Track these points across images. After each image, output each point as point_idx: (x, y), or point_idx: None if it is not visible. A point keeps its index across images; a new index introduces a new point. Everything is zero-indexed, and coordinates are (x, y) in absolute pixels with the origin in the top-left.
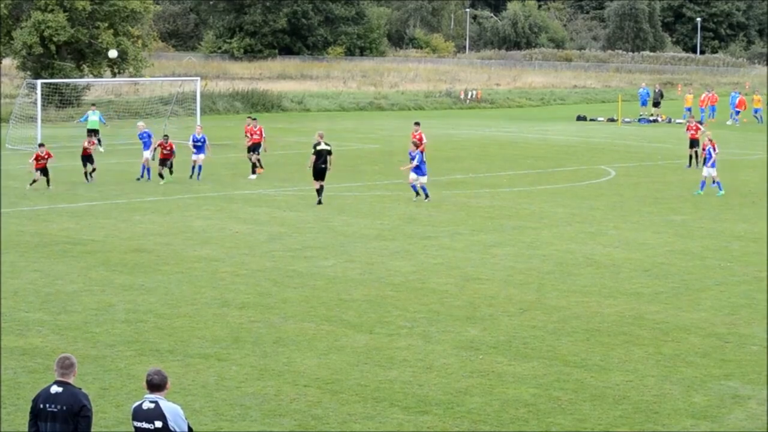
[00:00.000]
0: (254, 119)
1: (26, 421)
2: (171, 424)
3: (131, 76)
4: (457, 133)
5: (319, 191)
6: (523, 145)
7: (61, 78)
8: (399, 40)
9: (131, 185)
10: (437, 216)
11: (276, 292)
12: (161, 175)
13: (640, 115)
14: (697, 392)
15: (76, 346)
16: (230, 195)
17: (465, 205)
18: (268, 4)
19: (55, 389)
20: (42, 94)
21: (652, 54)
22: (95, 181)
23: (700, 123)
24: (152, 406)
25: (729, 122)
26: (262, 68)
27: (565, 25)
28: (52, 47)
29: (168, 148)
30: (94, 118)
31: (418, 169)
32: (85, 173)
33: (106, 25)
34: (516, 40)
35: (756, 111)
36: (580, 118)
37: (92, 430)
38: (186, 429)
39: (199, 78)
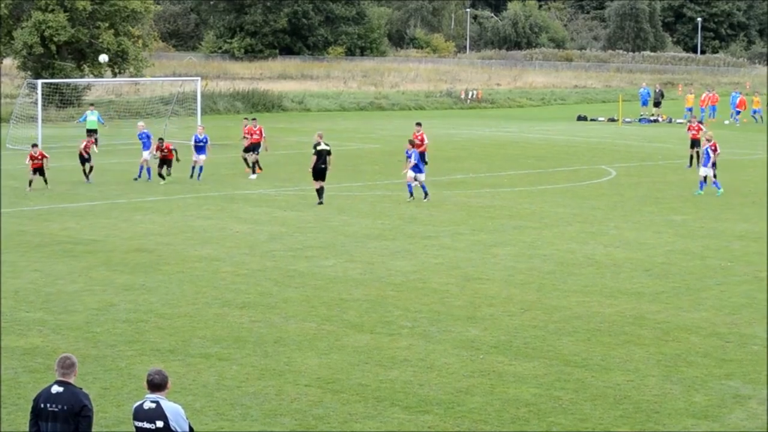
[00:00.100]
0: (254, 119)
1: (27, 420)
2: (172, 423)
3: (132, 76)
4: (458, 133)
5: (320, 192)
6: (524, 145)
7: (61, 78)
8: (399, 40)
9: (131, 185)
10: (438, 216)
11: (277, 292)
12: (161, 176)
13: (641, 115)
14: (698, 392)
15: (77, 345)
16: (231, 195)
17: (466, 204)
18: (268, 4)
19: (56, 389)
20: (42, 94)
21: (652, 54)
22: (92, 181)
23: (701, 123)
24: (153, 405)
25: (727, 122)
26: (262, 68)
27: (565, 25)
28: (53, 47)
29: (165, 149)
30: (92, 118)
31: (416, 167)
32: (84, 172)
33: (107, 25)
34: (516, 40)
35: (754, 111)
36: (580, 118)
37: (93, 429)
38: (187, 429)
39: (199, 78)
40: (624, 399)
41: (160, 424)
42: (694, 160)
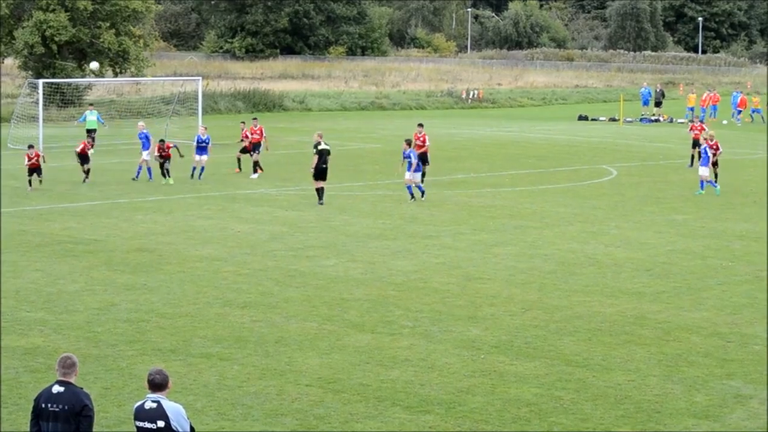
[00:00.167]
0: (254, 119)
1: (28, 420)
2: (173, 423)
3: (133, 76)
4: (459, 133)
5: (320, 192)
6: (525, 144)
7: (62, 78)
8: (400, 39)
9: (132, 185)
10: (439, 215)
11: (278, 292)
12: (165, 174)
13: (642, 115)
14: (699, 392)
15: (78, 345)
16: (232, 194)
17: (467, 204)
18: (269, 3)
19: (57, 389)
20: (44, 94)
21: (653, 53)
22: (90, 181)
23: (702, 122)
24: (154, 405)
25: (725, 122)
26: (263, 68)
27: (566, 25)
28: (54, 47)
29: (167, 149)
30: (92, 118)
31: (411, 166)
32: (84, 172)
33: (108, 24)
34: (517, 40)
35: (753, 111)
36: (581, 118)
37: (94, 429)
38: (188, 429)
39: (200, 78)
40: (625, 399)
41: (161, 423)
42: (695, 160)
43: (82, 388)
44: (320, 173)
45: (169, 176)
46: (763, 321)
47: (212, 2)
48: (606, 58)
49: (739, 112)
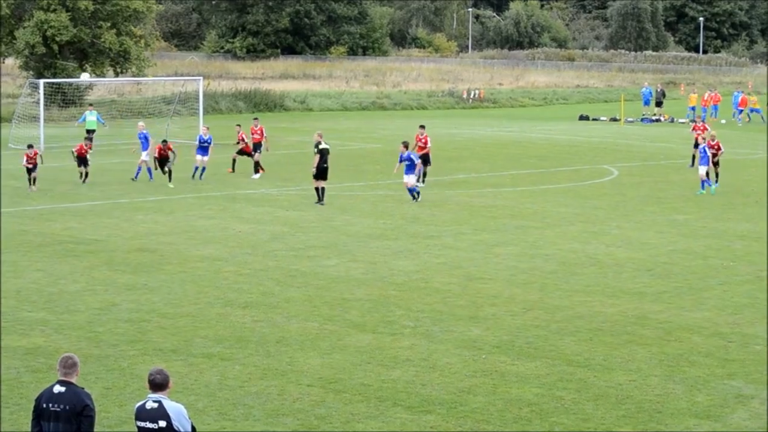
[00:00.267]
0: (255, 119)
1: (29, 420)
2: (175, 423)
3: (134, 76)
4: (460, 133)
5: (321, 191)
6: (526, 144)
7: (63, 78)
8: (401, 39)
9: (133, 185)
10: (440, 215)
11: (279, 292)
12: (167, 173)
13: (643, 115)
14: (700, 392)
15: (79, 345)
16: (233, 194)
17: (468, 204)
18: (270, 3)
19: (58, 389)
20: (45, 94)
21: (654, 53)
22: (89, 182)
23: (704, 122)
24: (156, 405)
25: (723, 121)
26: (264, 68)
27: (567, 25)
28: (55, 47)
29: (167, 150)
30: (91, 118)
31: (411, 168)
32: (80, 174)
33: (109, 24)
34: (518, 40)
35: (751, 110)
36: (582, 118)
37: (95, 429)
38: (190, 428)
39: (201, 78)
40: (626, 399)
41: (162, 423)
42: (697, 160)
43: (83, 388)
44: (321, 172)
45: (170, 179)
46: (764, 321)
47: (213, 2)
48: (607, 58)
49: (741, 111)
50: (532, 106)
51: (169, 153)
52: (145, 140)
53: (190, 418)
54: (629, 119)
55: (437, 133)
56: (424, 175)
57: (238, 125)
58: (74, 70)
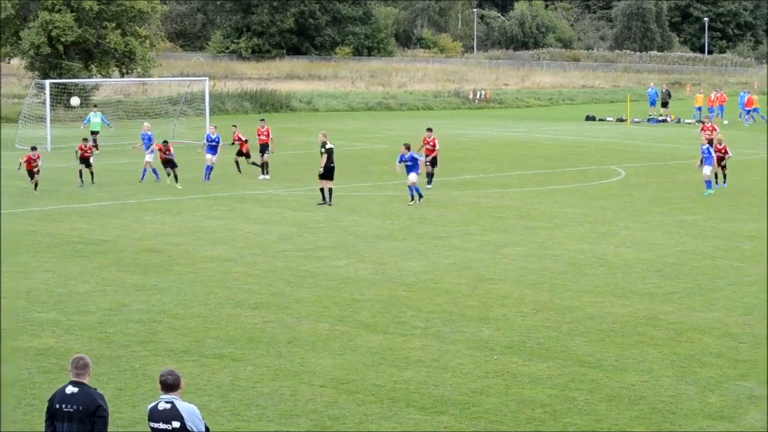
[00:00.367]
0: (262, 120)
1: (42, 420)
2: (188, 424)
3: (139, 76)
4: (467, 133)
5: (329, 192)
6: (533, 145)
7: (69, 78)
8: (407, 40)
9: (140, 186)
10: (448, 216)
11: (289, 293)
12: (169, 174)
13: (649, 115)
14: (712, 392)
15: (91, 346)
16: (240, 195)
17: (475, 205)
18: (275, 4)
19: (71, 389)
20: (51, 94)
21: (660, 54)
22: (88, 185)
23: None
24: (168, 406)
25: (726, 122)
26: (270, 68)
27: (572, 25)
28: (60, 47)
29: (167, 151)
30: (96, 119)
31: (412, 168)
32: (80, 172)
33: (114, 25)
34: (523, 40)
35: (752, 110)
36: (589, 118)
37: (108, 430)
38: (203, 429)
39: (207, 78)
40: (639, 399)
41: (176, 424)
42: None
43: (95, 389)
44: (328, 172)
45: (177, 180)
46: None
47: (218, 3)
48: (612, 58)
49: (748, 111)
50: (538, 107)
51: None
52: (149, 141)
53: (203, 419)
54: (636, 120)
55: (444, 134)
56: (432, 176)
57: (234, 126)
58: (80, 70)
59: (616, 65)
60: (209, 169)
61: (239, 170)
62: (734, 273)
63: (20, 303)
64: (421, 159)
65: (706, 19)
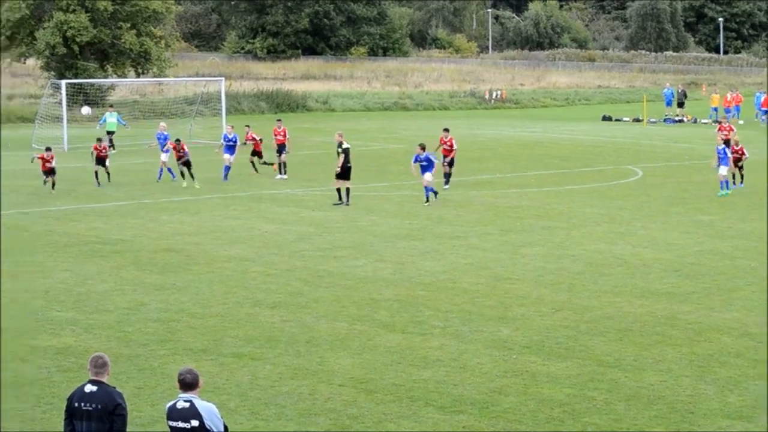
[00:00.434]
0: (279, 120)
1: (61, 419)
2: (207, 422)
3: (155, 77)
4: (483, 133)
5: (343, 192)
6: (549, 145)
7: (85, 78)
8: (422, 40)
9: (157, 185)
10: (465, 216)
11: (307, 292)
12: (191, 176)
13: (666, 116)
14: (732, 392)
15: (109, 345)
16: (258, 195)
17: (493, 205)
18: (289, 4)
19: (90, 388)
20: (67, 95)
21: (675, 54)
22: (105, 184)
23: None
24: (187, 405)
25: (741, 122)
26: (285, 68)
27: (587, 25)
28: (75, 47)
29: (182, 150)
30: (112, 119)
31: (427, 168)
32: (96, 173)
33: (129, 25)
34: (539, 41)
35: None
36: (605, 118)
37: (127, 428)
38: (222, 428)
39: (223, 78)
40: (658, 399)
41: (195, 423)
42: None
43: (114, 387)
44: (345, 172)
45: (194, 179)
46: None
47: (232, 3)
48: (627, 58)
49: (765, 112)
50: (554, 107)
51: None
52: (164, 141)
53: (222, 417)
54: (652, 120)
55: (460, 134)
56: (449, 176)
57: (247, 126)
58: (95, 70)
59: (631, 65)
60: (227, 168)
61: (255, 170)
62: (752, 273)
63: (39, 302)
64: (438, 162)
65: (720, 19)
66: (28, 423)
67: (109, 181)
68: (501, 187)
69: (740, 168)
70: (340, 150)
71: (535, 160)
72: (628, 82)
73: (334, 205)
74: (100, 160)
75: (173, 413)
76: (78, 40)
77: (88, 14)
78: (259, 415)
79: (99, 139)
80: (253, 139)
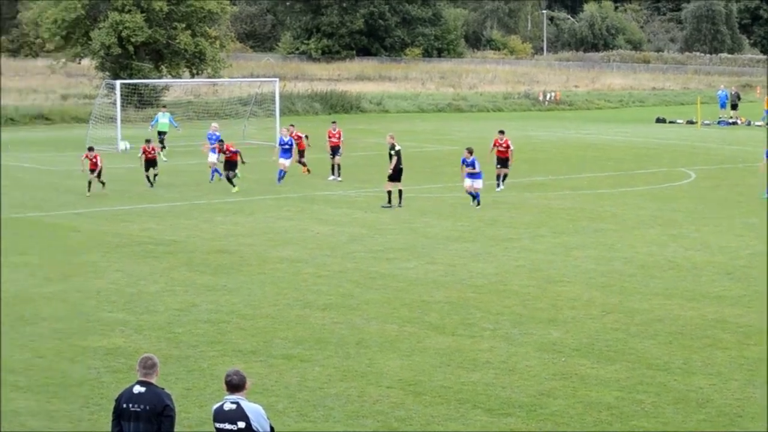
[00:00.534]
0: (333, 122)
1: (109, 420)
2: (254, 424)
3: (209, 77)
4: (537, 135)
5: (395, 194)
6: (603, 147)
7: (139, 78)
8: (476, 41)
9: (211, 186)
10: (518, 218)
11: (358, 294)
12: (230, 181)
13: (720, 118)
14: None
15: (159, 346)
16: (311, 196)
17: (546, 207)
18: (344, 5)
19: (138, 389)
20: (121, 95)
21: (730, 56)
22: (156, 184)
23: None
24: (234, 407)
25: None
26: (340, 69)
27: (642, 27)
28: (130, 48)
29: (227, 151)
30: (164, 120)
31: (476, 175)
32: (147, 177)
33: (184, 25)
34: (593, 42)
35: None
36: (659, 120)
37: (176, 429)
38: (268, 429)
39: (277, 79)
40: (706, 403)
41: (241, 424)
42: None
43: (163, 389)
44: (397, 174)
45: (236, 177)
46: None
47: (287, 3)
48: (682, 60)
49: None
50: (608, 109)
51: (235, 155)
52: (215, 141)
53: (268, 419)
54: (706, 122)
55: (514, 135)
56: (504, 177)
57: (291, 125)
58: (150, 71)
59: (686, 67)
60: (282, 173)
61: (308, 170)
62: None
63: (90, 302)
64: (469, 168)
65: None
66: (75, 424)
67: (153, 183)
68: (554, 189)
69: None
70: (392, 152)
71: (589, 162)
72: (683, 84)
73: (383, 207)
74: (150, 162)
75: (220, 415)
76: (133, 40)
77: (144, 14)
78: (307, 417)
79: (148, 140)
80: (299, 137)
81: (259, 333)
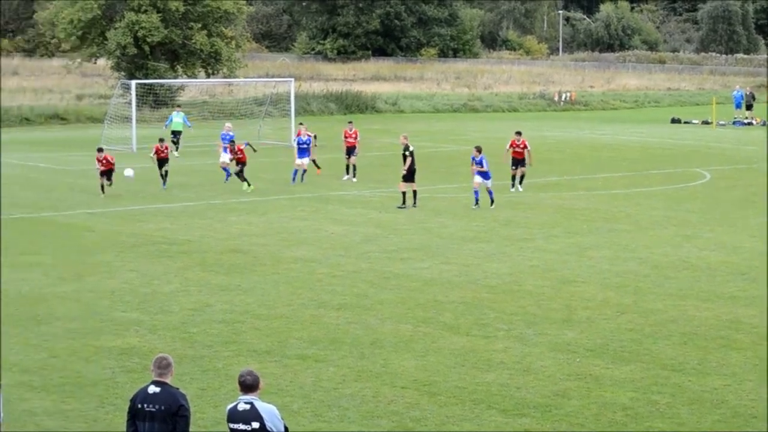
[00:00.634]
0: (350, 122)
1: (124, 420)
2: (268, 424)
3: (225, 77)
4: (552, 135)
5: (410, 195)
6: (618, 147)
7: (155, 78)
8: (492, 41)
9: (225, 186)
10: (533, 218)
11: (373, 294)
12: (246, 181)
13: (735, 118)
14: None
15: (174, 346)
16: (325, 196)
17: (560, 207)
18: (360, 5)
19: (153, 389)
20: (136, 95)
21: (745, 57)
22: (170, 184)
23: None
24: (248, 407)
25: None
26: (355, 69)
27: (657, 27)
28: (146, 48)
29: (238, 151)
30: (178, 120)
31: (485, 174)
32: (161, 175)
33: (200, 25)
34: (609, 42)
35: None
36: (674, 121)
37: (190, 429)
38: (283, 429)
39: (293, 79)
40: (721, 403)
41: (256, 425)
42: None
43: (178, 388)
44: (411, 174)
45: (248, 182)
46: None
47: (303, 4)
48: (698, 60)
49: None
50: (624, 109)
51: (245, 153)
52: (229, 142)
53: (282, 419)
54: (721, 122)
55: (529, 136)
56: (522, 178)
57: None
58: (165, 71)
59: (701, 68)
60: (300, 172)
61: (317, 167)
62: None
63: (104, 302)
64: (478, 167)
65: None
66: (90, 424)
67: (165, 182)
68: (569, 189)
69: None
70: (406, 153)
71: (604, 163)
72: (698, 84)
73: (398, 208)
74: (162, 161)
75: (234, 415)
76: (149, 40)
77: (160, 14)
78: (321, 417)
79: (161, 140)
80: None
81: (274, 333)
